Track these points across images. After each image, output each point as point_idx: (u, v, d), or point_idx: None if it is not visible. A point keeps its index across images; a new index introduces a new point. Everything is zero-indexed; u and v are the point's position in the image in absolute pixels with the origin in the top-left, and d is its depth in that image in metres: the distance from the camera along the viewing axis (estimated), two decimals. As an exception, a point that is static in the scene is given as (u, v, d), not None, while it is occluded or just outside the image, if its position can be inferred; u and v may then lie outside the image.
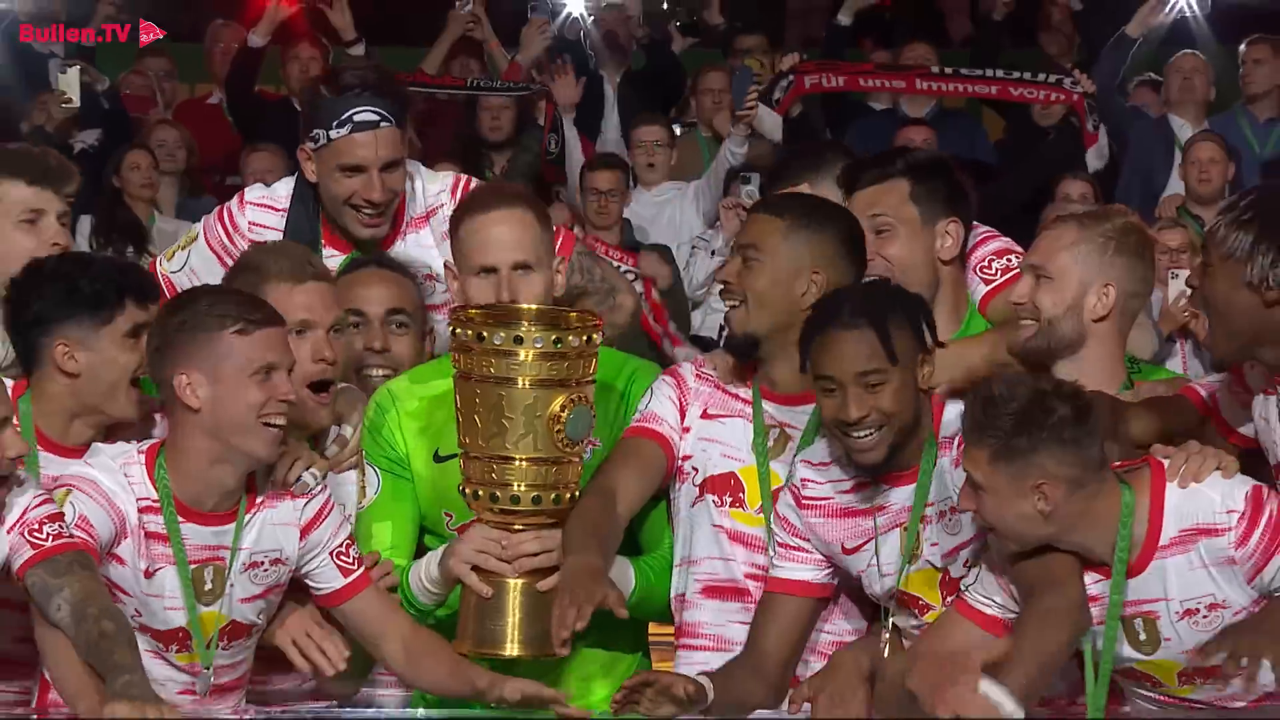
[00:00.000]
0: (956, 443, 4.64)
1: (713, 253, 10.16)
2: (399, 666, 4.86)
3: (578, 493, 4.73)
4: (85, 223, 10.24)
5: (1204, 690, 4.59)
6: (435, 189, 5.69)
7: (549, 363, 4.59)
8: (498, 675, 4.67)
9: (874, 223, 5.08)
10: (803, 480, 4.84)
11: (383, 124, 5.55)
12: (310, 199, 5.67)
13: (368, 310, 5.24)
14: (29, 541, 4.49)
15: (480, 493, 4.67)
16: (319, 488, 4.82)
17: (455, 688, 4.78)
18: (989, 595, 4.59)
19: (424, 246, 5.63)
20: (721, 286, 5.03)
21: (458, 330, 4.64)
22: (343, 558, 4.82)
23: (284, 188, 5.75)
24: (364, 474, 5.02)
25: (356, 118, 5.53)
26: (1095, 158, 10.77)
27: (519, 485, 4.64)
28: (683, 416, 5.01)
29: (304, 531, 4.78)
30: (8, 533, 4.50)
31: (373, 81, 5.60)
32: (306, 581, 4.83)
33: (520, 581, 4.70)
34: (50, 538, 4.49)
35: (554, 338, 4.59)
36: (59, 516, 4.53)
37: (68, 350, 4.80)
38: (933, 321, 4.77)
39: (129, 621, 4.51)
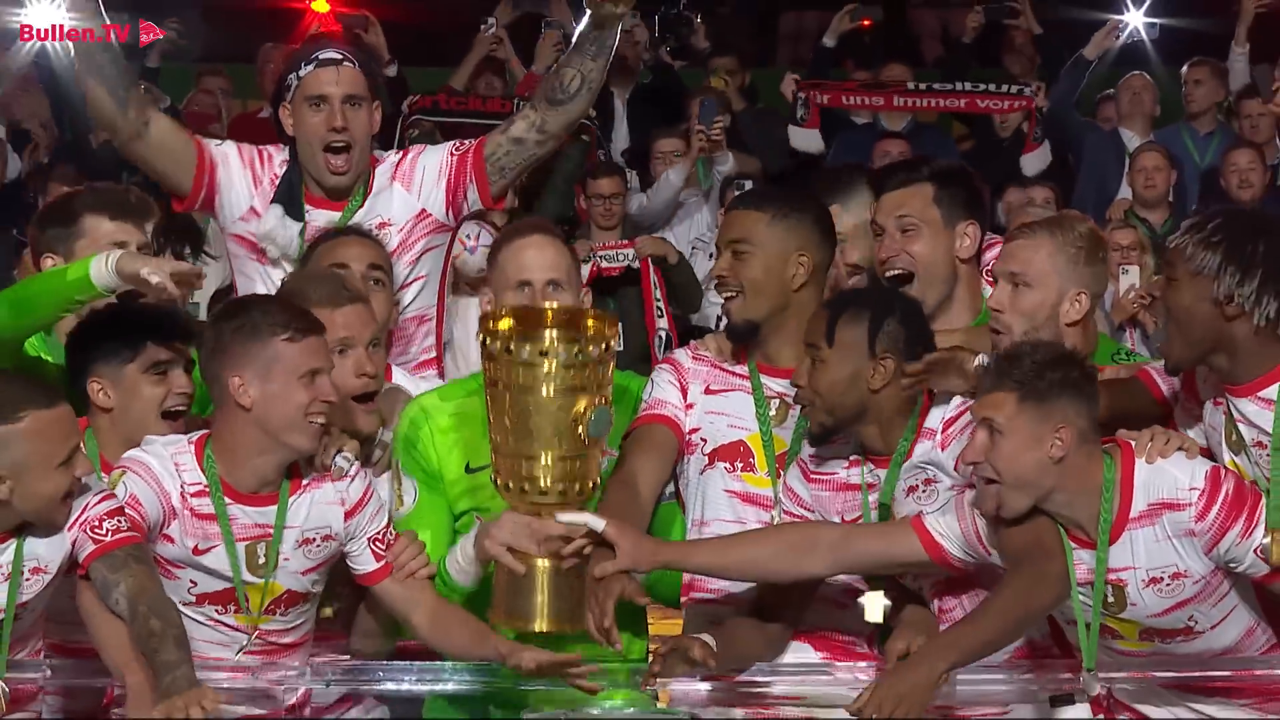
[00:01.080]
0: (942, 426, 4.74)
1: (710, 254, 10.12)
2: (427, 635, 4.94)
3: (599, 479, 4.79)
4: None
5: (1159, 646, 4.69)
6: (390, 154, 5.88)
7: (571, 371, 4.62)
8: (517, 644, 4.73)
9: (900, 222, 5.18)
10: (810, 457, 4.91)
11: (345, 63, 5.75)
12: (293, 165, 5.79)
13: (352, 265, 5.33)
14: (90, 537, 4.61)
15: (511, 485, 4.73)
16: (353, 468, 4.93)
17: (478, 653, 4.85)
18: (943, 523, 4.64)
19: (381, 203, 5.76)
20: (717, 281, 5.06)
21: (488, 342, 4.68)
22: (378, 544, 4.92)
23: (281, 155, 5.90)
24: (400, 483, 5.07)
25: (321, 56, 5.77)
26: (1032, 163, 11.04)
27: (546, 480, 4.68)
28: (685, 395, 5.07)
29: (348, 514, 4.89)
30: (68, 530, 4.63)
31: (340, 37, 5.88)
32: (346, 560, 4.96)
33: (548, 562, 4.73)
34: (110, 533, 4.61)
35: (575, 350, 4.62)
36: (118, 511, 4.64)
37: (101, 387, 4.96)
38: (925, 334, 4.82)
39: (178, 616, 4.57)
